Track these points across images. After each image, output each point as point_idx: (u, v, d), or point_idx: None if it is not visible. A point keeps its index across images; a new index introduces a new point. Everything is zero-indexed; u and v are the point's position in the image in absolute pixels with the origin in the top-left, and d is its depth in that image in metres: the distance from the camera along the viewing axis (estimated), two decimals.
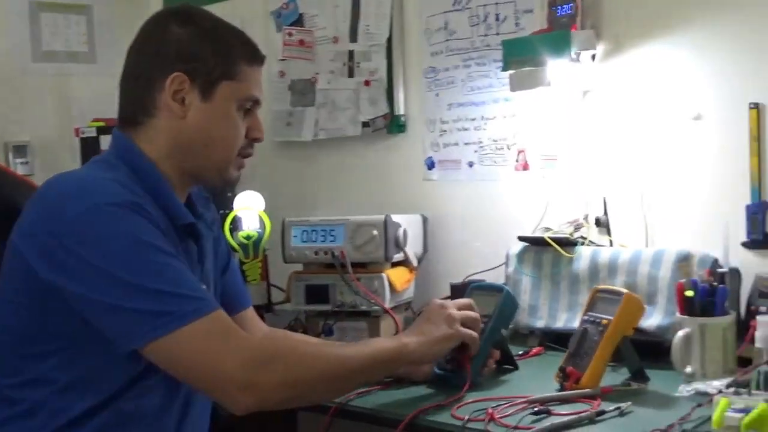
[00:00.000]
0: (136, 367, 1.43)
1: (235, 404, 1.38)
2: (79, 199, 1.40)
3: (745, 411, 1.34)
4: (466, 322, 1.74)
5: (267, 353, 1.41)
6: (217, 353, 1.36)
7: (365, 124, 2.70)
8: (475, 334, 1.74)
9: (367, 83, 2.69)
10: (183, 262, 1.45)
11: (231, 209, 2.48)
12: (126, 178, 1.47)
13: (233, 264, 1.79)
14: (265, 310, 2.47)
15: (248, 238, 2.47)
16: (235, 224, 2.49)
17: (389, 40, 2.64)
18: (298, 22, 2.85)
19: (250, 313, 1.79)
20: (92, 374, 1.43)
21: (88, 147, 2.84)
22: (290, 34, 2.83)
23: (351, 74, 2.73)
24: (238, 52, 1.55)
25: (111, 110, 2.82)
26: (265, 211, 2.51)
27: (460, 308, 1.76)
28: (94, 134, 2.86)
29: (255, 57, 1.59)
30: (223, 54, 1.53)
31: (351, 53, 2.73)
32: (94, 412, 1.42)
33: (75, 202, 1.40)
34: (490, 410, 1.56)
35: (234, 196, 2.50)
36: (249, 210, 2.50)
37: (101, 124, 2.87)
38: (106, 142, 2.79)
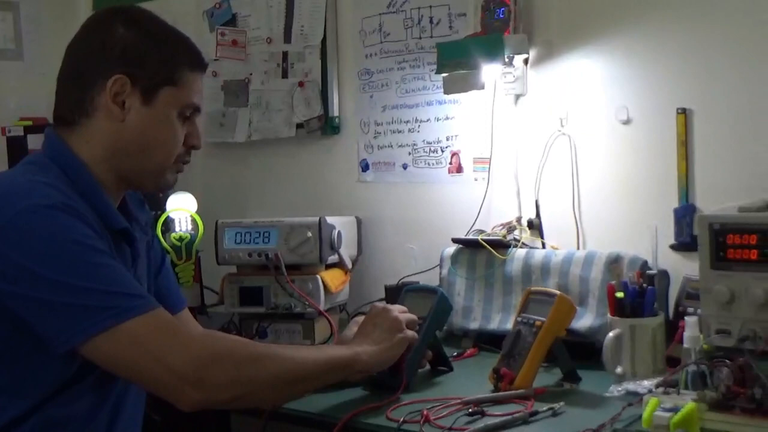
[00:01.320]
0: (66, 372, 1.40)
1: (181, 400, 1.36)
2: (10, 202, 1.37)
3: (674, 410, 1.36)
4: (408, 325, 1.75)
5: (216, 349, 1.39)
6: (162, 349, 1.35)
7: (299, 126, 2.69)
8: (416, 335, 1.76)
9: (301, 84, 2.68)
10: (119, 262, 1.43)
11: (163, 210, 2.45)
12: (58, 181, 1.44)
13: (167, 266, 1.77)
14: (198, 312, 2.44)
15: (181, 239, 2.44)
16: (168, 225, 2.45)
17: (323, 42, 2.63)
18: (231, 22, 2.82)
19: (185, 314, 1.77)
20: (22, 380, 1.40)
21: (15, 146, 2.79)
22: (223, 34, 2.80)
23: (285, 75, 2.71)
24: (183, 58, 1.53)
25: (38, 109, 2.81)
26: (197, 212, 2.48)
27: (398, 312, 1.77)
28: (21, 133, 2.80)
29: (199, 64, 1.57)
30: (167, 59, 1.51)
31: (285, 54, 2.71)
32: (24, 419, 1.40)
33: (6, 205, 1.37)
34: (425, 411, 1.56)
35: (166, 197, 2.47)
36: (181, 211, 2.47)
37: (28, 123, 2.82)
38: (33, 141, 2.77)
